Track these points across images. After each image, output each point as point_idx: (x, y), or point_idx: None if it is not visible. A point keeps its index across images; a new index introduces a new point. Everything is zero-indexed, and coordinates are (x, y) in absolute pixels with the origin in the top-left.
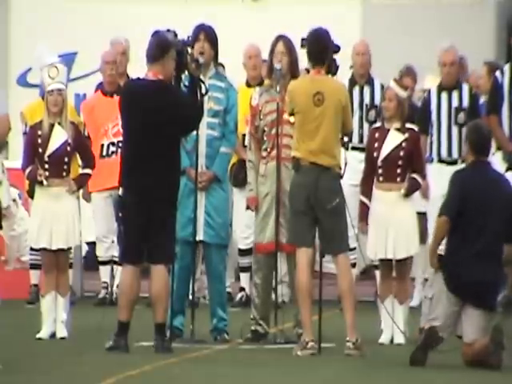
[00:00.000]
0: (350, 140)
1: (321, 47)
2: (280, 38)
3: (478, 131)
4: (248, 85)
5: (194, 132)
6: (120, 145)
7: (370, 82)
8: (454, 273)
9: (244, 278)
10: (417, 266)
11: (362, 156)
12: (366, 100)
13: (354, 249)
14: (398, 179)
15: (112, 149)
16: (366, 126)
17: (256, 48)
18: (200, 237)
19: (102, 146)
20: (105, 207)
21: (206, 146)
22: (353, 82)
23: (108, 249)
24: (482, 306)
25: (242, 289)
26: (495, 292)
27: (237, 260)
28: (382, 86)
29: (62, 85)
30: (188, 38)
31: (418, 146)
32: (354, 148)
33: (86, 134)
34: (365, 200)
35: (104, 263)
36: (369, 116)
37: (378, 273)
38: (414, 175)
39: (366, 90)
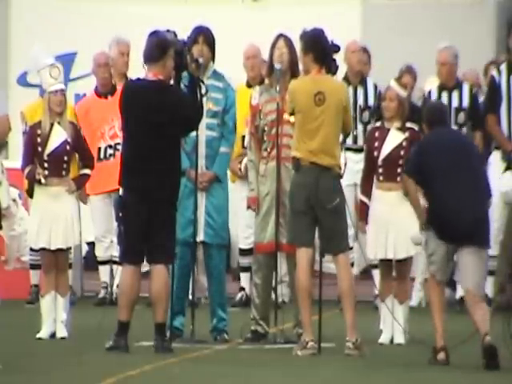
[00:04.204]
0: (344, 141)
1: (321, 47)
2: (281, 35)
3: (429, 105)
4: (248, 85)
5: (194, 133)
6: (117, 147)
7: (364, 82)
8: (444, 221)
9: (244, 277)
10: (417, 265)
11: (356, 157)
12: (360, 101)
13: (352, 248)
14: (399, 179)
15: (109, 151)
16: (359, 127)
17: (255, 48)
18: (200, 237)
19: (99, 149)
20: (103, 207)
21: (206, 146)
22: (346, 83)
23: (107, 249)
24: (476, 243)
25: (242, 289)
26: (487, 228)
27: (235, 260)
28: (376, 87)
29: (64, 85)
30: (188, 38)
31: None
32: (347, 149)
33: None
34: (364, 199)
35: (103, 263)
36: (362, 117)
37: (375, 272)
38: None
39: (360, 90)
